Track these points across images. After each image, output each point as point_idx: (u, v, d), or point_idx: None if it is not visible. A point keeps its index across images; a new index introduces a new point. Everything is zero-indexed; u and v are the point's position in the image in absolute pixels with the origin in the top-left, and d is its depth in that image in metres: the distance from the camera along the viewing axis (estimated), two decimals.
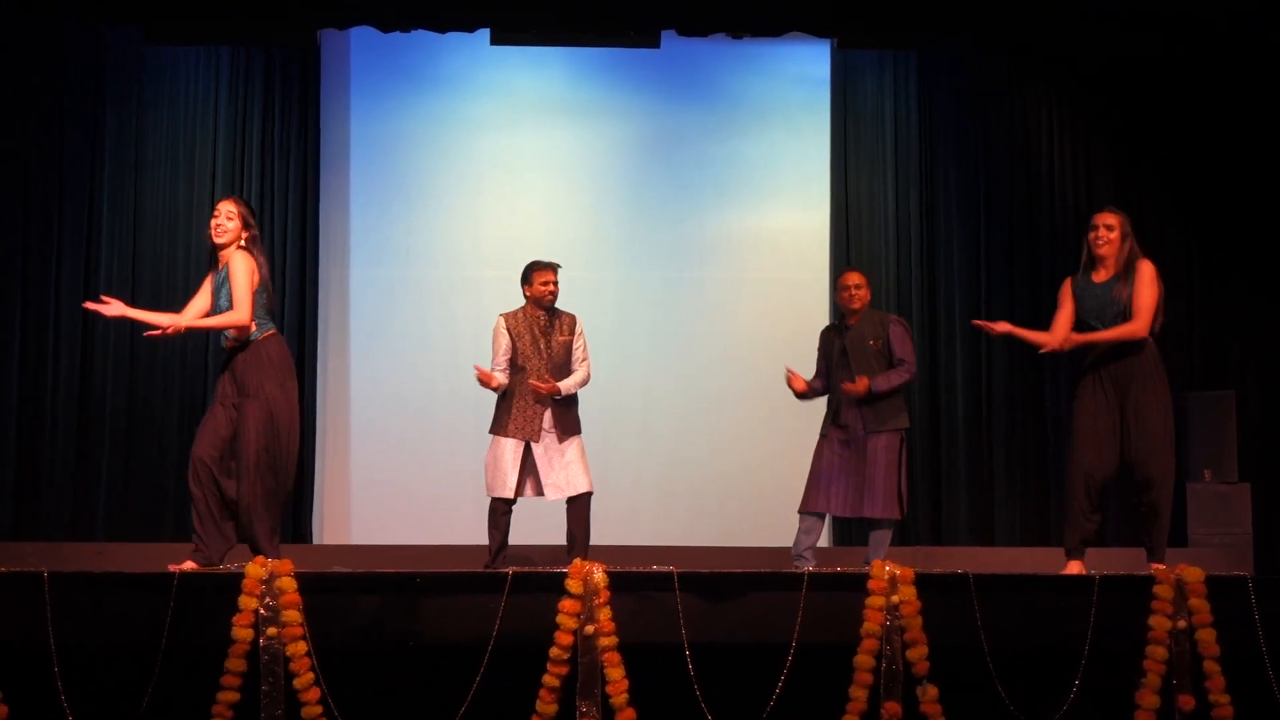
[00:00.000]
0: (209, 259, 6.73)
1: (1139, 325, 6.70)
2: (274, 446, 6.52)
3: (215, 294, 6.62)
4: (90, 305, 6.68)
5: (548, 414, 7.43)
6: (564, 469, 7.40)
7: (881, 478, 7.47)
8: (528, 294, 7.58)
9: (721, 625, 5.79)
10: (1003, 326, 7.07)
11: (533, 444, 7.39)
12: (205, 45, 10.13)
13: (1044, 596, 6.02)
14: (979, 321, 7.44)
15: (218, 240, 6.58)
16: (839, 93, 10.57)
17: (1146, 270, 6.78)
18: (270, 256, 10.10)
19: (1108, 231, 6.81)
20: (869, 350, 7.61)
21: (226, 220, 6.57)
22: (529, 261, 7.64)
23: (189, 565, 6.34)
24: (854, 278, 7.74)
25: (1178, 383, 9.97)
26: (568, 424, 7.48)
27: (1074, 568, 6.70)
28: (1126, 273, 6.78)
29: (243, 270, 6.49)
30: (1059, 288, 7.08)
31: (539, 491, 7.44)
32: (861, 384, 7.45)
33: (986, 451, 10.32)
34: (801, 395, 7.81)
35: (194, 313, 6.64)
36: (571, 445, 7.45)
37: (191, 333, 9.44)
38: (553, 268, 7.57)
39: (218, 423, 6.52)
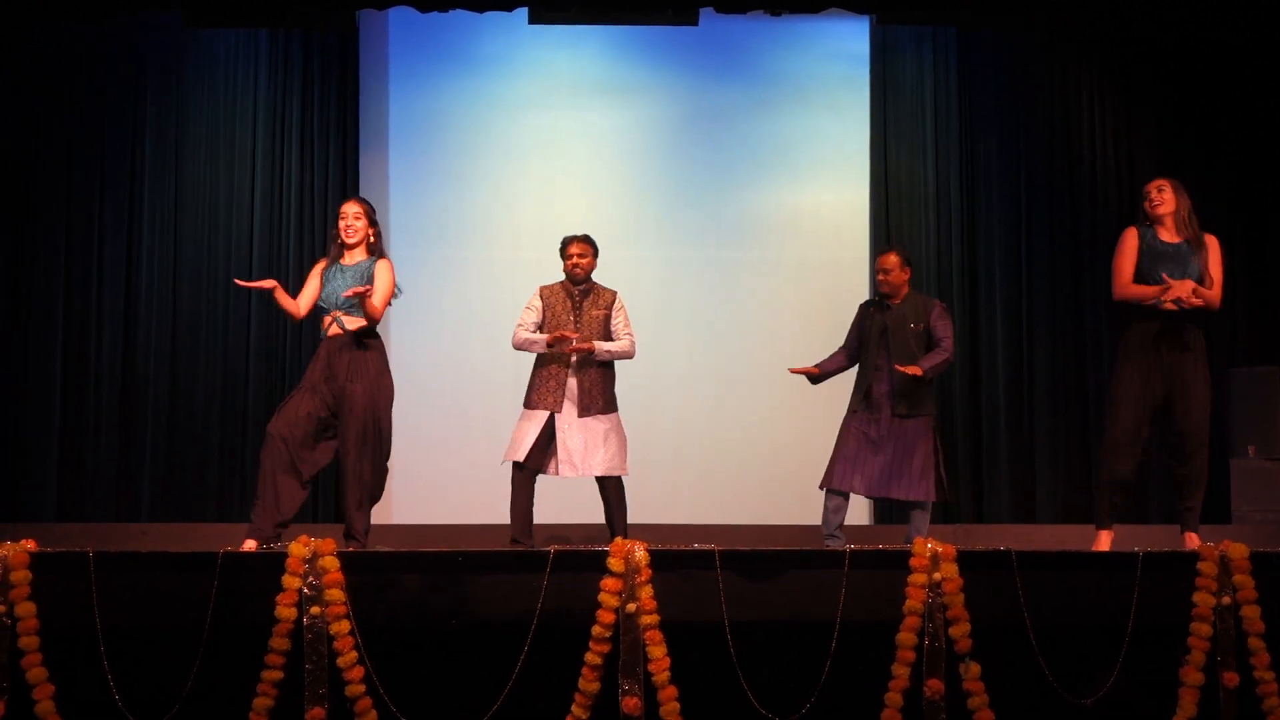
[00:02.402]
0: (336, 251, 6.93)
1: (1216, 295, 6.73)
2: (376, 429, 6.79)
3: (328, 285, 6.83)
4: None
5: (571, 384, 7.29)
6: (586, 446, 7.24)
7: (919, 461, 7.41)
8: (564, 268, 7.55)
9: (763, 603, 5.78)
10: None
11: (556, 416, 7.26)
12: (244, 28, 10.18)
13: (1087, 573, 5.97)
14: None
15: (348, 240, 6.87)
16: (878, 69, 10.53)
17: (1216, 242, 6.83)
18: (310, 238, 10.20)
19: (1159, 193, 6.80)
20: (909, 332, 7.51)
21: (355, 221, 6.88)
22: None
23: (250, 545, 6.46)
24: (892, 259, 7.61)
25: (1222, 358, 9.92)
26: (594, 399, 7.31)
27: (1105, 540, 6.67)
28: (1197, 240, 6.78)
29: (388, 278, 6.85)
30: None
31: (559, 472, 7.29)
32: (915, 368, 7.35)
33: (1028, 428, 10.28)
34: (816, 379, 7.73)
35: (307, 301, 6.91)
36: (599, 422, 7.29)
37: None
38: (578, 240, 7.50)
39: (300, 404, 6.71)
